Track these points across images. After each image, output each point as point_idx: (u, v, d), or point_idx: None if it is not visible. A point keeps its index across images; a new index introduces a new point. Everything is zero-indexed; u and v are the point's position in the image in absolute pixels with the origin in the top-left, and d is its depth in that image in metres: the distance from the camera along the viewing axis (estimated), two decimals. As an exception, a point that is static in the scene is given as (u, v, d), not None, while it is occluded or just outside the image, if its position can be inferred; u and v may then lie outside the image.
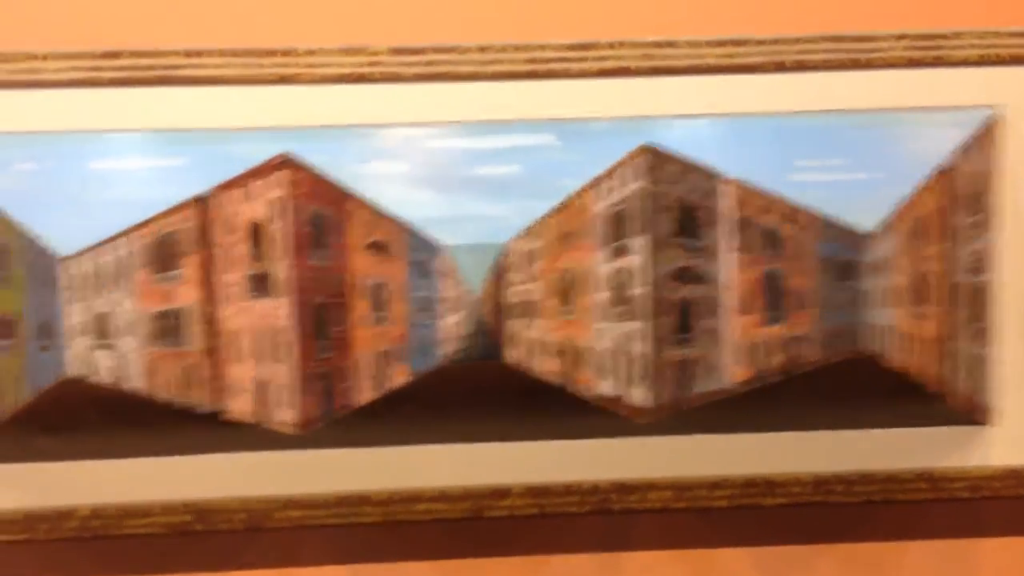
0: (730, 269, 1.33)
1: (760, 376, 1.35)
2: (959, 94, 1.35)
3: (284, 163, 1.29)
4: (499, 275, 1.33)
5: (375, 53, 1.31)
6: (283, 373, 1.31)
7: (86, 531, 1.35)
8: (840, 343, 1.35)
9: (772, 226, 1.33)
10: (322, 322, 1.31)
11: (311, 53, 1.31)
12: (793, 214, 1.32)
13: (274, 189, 1.29)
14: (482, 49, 1.32)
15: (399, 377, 1.33)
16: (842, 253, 1.33)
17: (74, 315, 1.31)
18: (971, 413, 1.37)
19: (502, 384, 1.33)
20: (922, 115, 1.33)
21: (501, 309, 1.34)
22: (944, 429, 1.38)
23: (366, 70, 1.31)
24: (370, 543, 1.41)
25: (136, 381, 1.32)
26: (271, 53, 1.31)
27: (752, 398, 1.35)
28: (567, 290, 1.33)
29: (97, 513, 1.35)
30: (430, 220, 1.30)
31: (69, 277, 1.30)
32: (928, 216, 1.33)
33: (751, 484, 1.39)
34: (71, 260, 1.29)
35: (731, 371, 1.35)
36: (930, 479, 1.40)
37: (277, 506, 1.36)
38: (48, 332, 1.31)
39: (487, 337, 1.33)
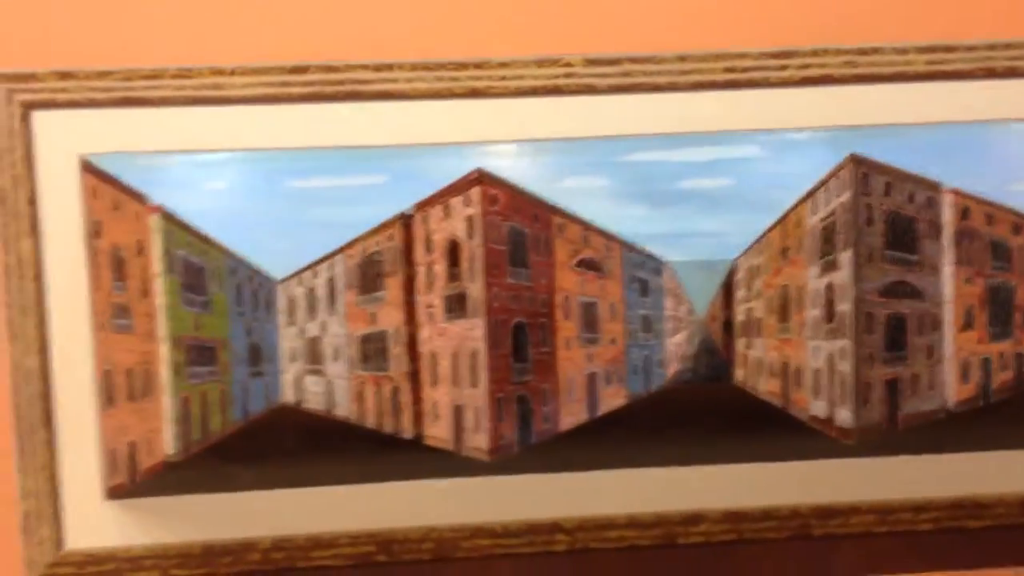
0: (949, 283, 1.28)
1: (983, 394, 1.29)
2: None
3: (479, 179, 1.24)
4: (727, 292, 1.27)
5: (569, 64, 1.26)
6: (476, 396, 1.26)
7: (268, 564, 1.30)
8: (1083, 359, 1.30)
9: (998, 237, 1.27)
10: (521, 343, 1.26)
11: (504, 65, 1.26)
12: (1021, 224, 1.26)
13: (469, 206, 1.24)
14: (680, 59, 1.27)
15: (614, 399, 1.28)
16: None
17: (287, 339, 1.26)
18: None
19: (724, 406, 1.28)
20: None
21: (730, 327, 1.28)
22: None
23: (560, 82, 1.27)
24: (559, 572, 1.35)
25: (344, 407, 1.27)
26: (463, 66, 1.26)
27: (974, 417, 1.29)
28: (785, 307, 1.28)
29: (280, 545, 1.30)
30: (642, 236, 1.25)
31: (284, 300, 1.25)
32: None
33: (958, 506, 1.34)
34: (285, 283, 1.24)
35: (950, 389, 1.29)
36: None
37: (464, 535, 1.31)
38: (259, 357, 1.26)
39: (714, 357, 1.28)
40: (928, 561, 1.38)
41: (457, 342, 1.26)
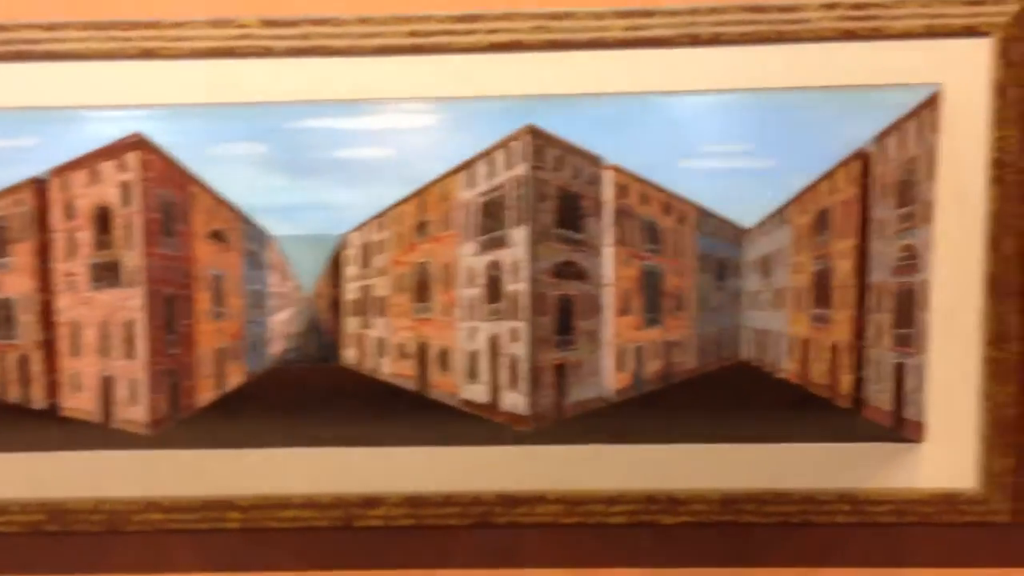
0: (609, 264, 1.21)
1: (636, 384, 1.22)
2: (896, 71, 1.19)
3: (136, 144, 1.20)
4: (336, 269, 1.22)
5: (245, 25, 1.22)
6: (132, 368, 1.22)
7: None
8: (720, 349, 1.21)
9: (650, 218, 1.20)
10: (171, 315, 1.22)
11: (177, 26, 1.22)
12: (670, 205, 1.19)
13: (125, 171, 1.20)
14: (361, 21, 1.21)
15: (235, 376, 1.24)
16: (723, 249, 1.20)
17: None
18: (896, 429, 1.22)
19: (341, 387, 1.23)
20: (854, 94, 1.18)
21: (338, 306, 1.23)
22: (868, 446, 1.24)
23: (235, 43, 1.22)
24: (236, 550, 1.32)
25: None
26: (135, 26, 1.22)
27: (630, 407, 1.22)
28: (423, 286, 1.22)
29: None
30: (275, 208, 1.20)
31: None
32: (837, 207, 1.19)
33: (652, 500, 1.26)
34: None
35: (609, 377, 1.22)
36: (852, 501, 1.26)
37: (137, 508, 1.28)
38: None
39: (321, 336, 1.23)
40: (620, 556, 1.31)
41: (107, 312, 1.22)
